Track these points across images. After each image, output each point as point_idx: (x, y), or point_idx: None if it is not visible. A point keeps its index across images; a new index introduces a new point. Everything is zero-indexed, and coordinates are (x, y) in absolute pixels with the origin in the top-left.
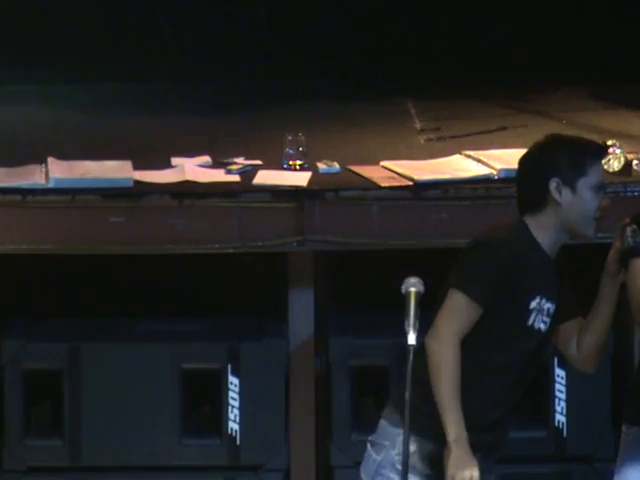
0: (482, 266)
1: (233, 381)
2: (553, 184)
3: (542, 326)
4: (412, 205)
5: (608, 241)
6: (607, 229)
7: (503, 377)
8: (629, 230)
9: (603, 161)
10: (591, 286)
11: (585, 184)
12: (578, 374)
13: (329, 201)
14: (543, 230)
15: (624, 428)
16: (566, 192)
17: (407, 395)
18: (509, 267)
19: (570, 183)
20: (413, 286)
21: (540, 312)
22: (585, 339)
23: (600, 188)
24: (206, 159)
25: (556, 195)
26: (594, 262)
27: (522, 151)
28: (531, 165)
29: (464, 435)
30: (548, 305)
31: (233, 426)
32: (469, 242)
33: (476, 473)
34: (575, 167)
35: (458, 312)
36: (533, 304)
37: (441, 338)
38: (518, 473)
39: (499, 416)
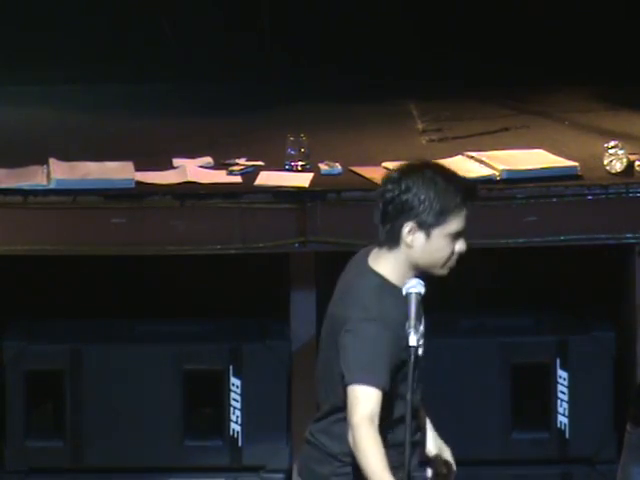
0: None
1: (235, 382)
2: (406, 228)
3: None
4: None
5: (610, 242)
6: (608, 230)
7: (402, 417)
8: None
9: (605, 162)
10: (590, 286)
11: (441, 232)
12: (580, 376)
13: (331, 202)
14: (395, 270)
15: (629, 428)
16: (419, 236)
17: (408, 396)
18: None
19: (426, 228)
20: (414, 287)
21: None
22: None
23: (458, 235)
24: (208, 160)
25: (408, 238)
26: (594, 262)
27: (523, 151)
28: (389, 199)
29: None
30: (421, 328)
31: (235, 427)
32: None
33: None
34: (436, 214)
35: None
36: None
37: (356, 426)
38: (520, 475)
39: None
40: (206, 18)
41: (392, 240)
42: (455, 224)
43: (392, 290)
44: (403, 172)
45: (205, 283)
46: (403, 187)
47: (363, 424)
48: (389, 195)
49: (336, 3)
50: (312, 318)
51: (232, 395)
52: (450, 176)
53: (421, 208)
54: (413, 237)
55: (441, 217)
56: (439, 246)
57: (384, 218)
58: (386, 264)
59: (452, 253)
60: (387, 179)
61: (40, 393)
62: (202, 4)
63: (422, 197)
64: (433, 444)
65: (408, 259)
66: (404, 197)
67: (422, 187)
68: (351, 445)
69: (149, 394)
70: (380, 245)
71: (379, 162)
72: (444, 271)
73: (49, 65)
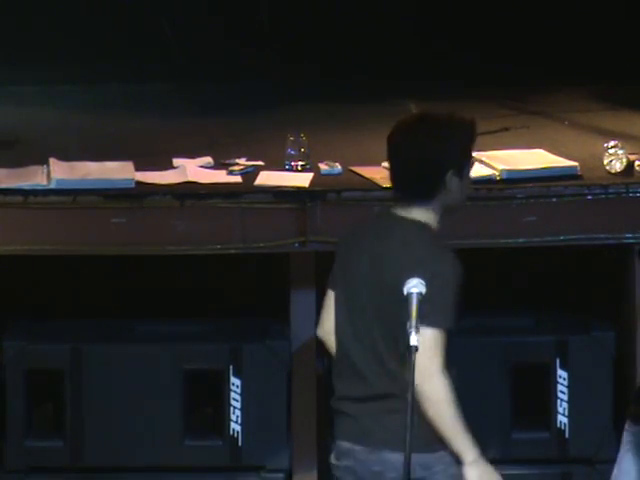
0: (447, 293)
1: (235, 382)
2: (448, 176)
3: None
4: None
5: (610, 242)
6: (608, 230)
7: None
8: None
9: (605, 162)
10: (590, 286)
11: (469, 169)
12: (580, 376)
13: (331, 202)
14: (433, 217)
15: (627, 425)
16: (455, 180)
17: (409, 396)
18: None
19: (459, 171)
20: (415, 287)
21: None
22: None
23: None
24: (208, 160)
25: (448, 186)
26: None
27: (523, 151)
28: (421, 155)
29: (479, 452)
30: None
31: (235, 427)
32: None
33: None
34: (464, 155)
35: (441, 346)
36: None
37: (431, 374)
38: (520, 475)
39: None
40: (206, 18)
41: (425, 194)
42: (473, 156)
43: (438, 236)
44: (413, 132)
45: (205, 283)
46: (427, 145)
47: (443, 373)
48: (414, 155)
49: (336, 3)
50: (312, 318)
51: (232, 395)
52: (452, 117)
53: (452, 156)
54: (451, 183)
55: (469, 156)
56: (468, 182)
57: (414, 179)
58: (422, 215)
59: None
60: (401, 143)
61: (40, 392)
62: (202, 4)
63: (453, 143)
64: None
65: (443, 204)
66: (433, 154)
67: (449, 135)
68: (425, 391)
69: (149, 394)
70: (407, 202)
71: (379, 162)
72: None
73: (49, 65)
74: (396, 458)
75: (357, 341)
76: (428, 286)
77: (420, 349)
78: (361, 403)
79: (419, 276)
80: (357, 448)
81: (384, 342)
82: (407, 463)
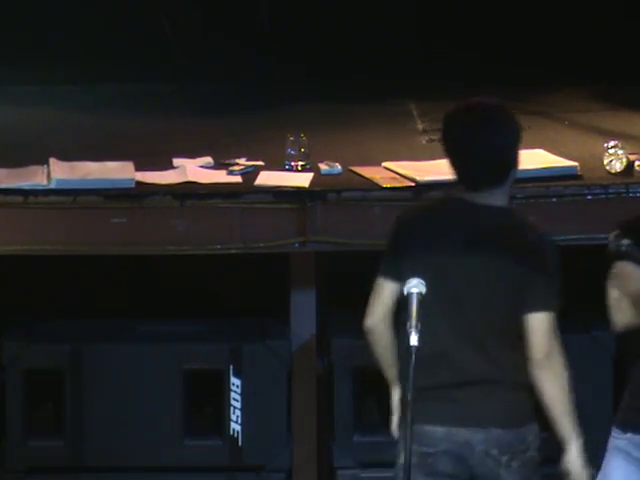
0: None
1: (235, 382)
2: (517, 156)
3: None
4: None
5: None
6: (608, 230)
7: None
8: (612, 236)
9: (605, 162)
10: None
11: None
12: (579, 376)
13: (331, 202)
14: (507, 200)
15: (614, 433)
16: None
17: (409, 396)
18: None
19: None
20: (415, 287)
21: None
22: None
23: None
24: (208, 160)
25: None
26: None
27: (523, 151)
28: (504, 140)
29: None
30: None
31: (235, 427)
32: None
33: None
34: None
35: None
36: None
37: (556, 352)
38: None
39: None
40: (206, 18)
41: (504, 181)
42: None
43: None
44: (490, 120)
45: (205, 283)
46: (507, 131)
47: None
48: (497, 142)
49: (336, 3)
50: (312, 318)
51: (232, 395)
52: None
53: (518, 138)
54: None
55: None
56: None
57: (497, 165)
58: (504, 201)
59: None
60: (479, 130)
61: (40, 393)
62: (202, 4)
63: (514, 131)
64: None
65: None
66: (513, 140)
67: (516, 126)
68: (551, 367)
69: (149, 394)
70: (483, 190)
71: (379, 162)
72: None
73: (49, 65)
74: (500, 434)
75: (451, 329)
76: (544, 270)
77: (541, 331)
78: (458, 389)
79: (534, 261)
80: (460, 430)
81: (486, 329)
82: (407, 466)
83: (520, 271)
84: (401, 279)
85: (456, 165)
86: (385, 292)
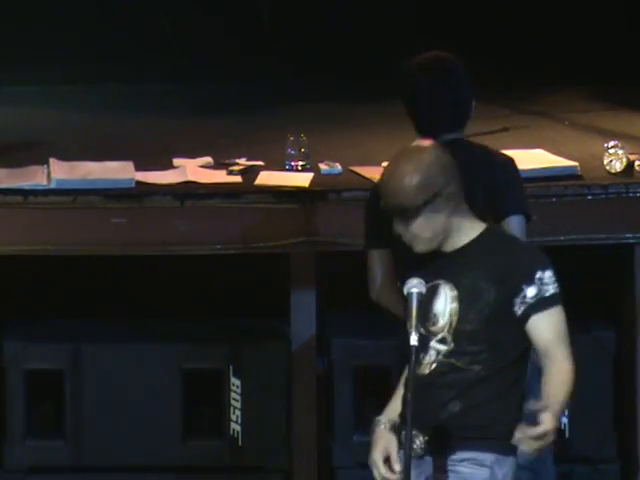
0: None
1: (235, 382)
2: None
3: None
4: None
5: (610, 242)
6: (608, 230)
7: None
8: None
9: (605, 162)
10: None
11: None
12: (580, 375)
13: (331, 202)
14: None
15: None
16: None
17: (409, 396)
18: None
19: None
20: (415, 287)
21: None
22: None
23: None
24: (208, 160)
25: None
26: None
27: (523, 151)
28: (461, 81)
29: None
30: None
31: (235, 427)
32: None
33: None
34: None
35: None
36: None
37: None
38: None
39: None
40: (206, 18)
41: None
42: None
43: None
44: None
45: (205, 283)
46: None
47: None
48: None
49: (336, 3)
50: (312, 318)
51: (232, 395)
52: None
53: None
54: None
55: None
56: None
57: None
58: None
59: None
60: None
61: (40, 392)
62: (202, 4)
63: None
64: None
65: None
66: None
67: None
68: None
69: (149, 394)
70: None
71: (379, 162)
72: None
73: (49, 65)
74: None
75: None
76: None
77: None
78: None
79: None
80: None
81: None
82: (407, 466)
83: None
84: (385, 245)
85: (416, 113)
86: (375, 261)
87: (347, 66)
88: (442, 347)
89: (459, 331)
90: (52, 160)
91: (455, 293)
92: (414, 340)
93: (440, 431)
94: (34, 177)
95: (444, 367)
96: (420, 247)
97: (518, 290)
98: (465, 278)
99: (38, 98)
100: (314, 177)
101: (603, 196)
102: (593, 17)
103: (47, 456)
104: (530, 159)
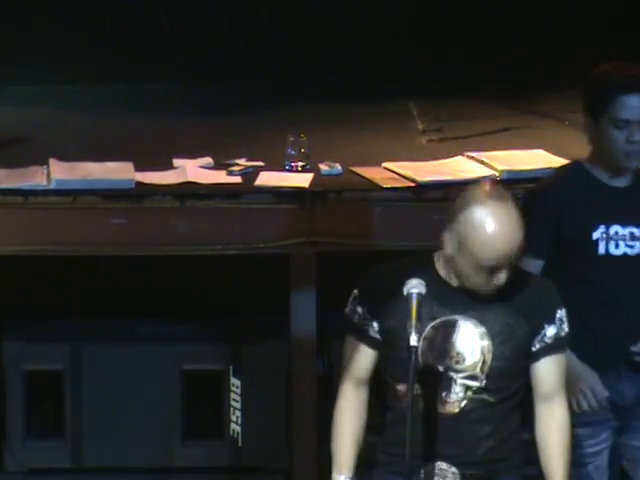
0: None
1: (235, 382)
2: None
3: None
4: (414, 206)
5: None
6: None
7: None
8: None
9: None
10: None
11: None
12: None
13: (331, 202)
14: None
15: None
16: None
17: (409, 396)
18: None
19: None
20: (415, 288)
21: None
22: None
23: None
24: (208, 160)
25: None
26: None
27: (523, 152)
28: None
29: None
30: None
31: (235, 428)
32: None
33: None
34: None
35: None
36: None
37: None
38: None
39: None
40: (206, 18)
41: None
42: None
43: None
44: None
45: (205, 283)
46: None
47: None
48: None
49: (336, 3)
50: (312, 318)
51: (232, 395)
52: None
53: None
54: None
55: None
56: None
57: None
58: None
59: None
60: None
61: (40, 393)
62: (202, 4)
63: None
64: None
65: None
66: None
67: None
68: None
69: (149, 394)
70: None
71: (379, 162)
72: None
73: (49, 65)
74: None
75: None
76: None
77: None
78: None
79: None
80: None
81: None
82: (407, 465)
83: None
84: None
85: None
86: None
87: (347, 66)
88: (473, 383)
89: (493, 368)
90: (52, 160)
91: (483, 330)
92: (414, 341)
93: (480, 467)
94: (34, 177)
95: (475, 403)
96: (491, 291)
97: (540, 328)
98: (490, 313)
99: (38, 98)
100: (314, 177)
101: None
102: (593, 17)
103: (47, 457)
104: (530, 159)
